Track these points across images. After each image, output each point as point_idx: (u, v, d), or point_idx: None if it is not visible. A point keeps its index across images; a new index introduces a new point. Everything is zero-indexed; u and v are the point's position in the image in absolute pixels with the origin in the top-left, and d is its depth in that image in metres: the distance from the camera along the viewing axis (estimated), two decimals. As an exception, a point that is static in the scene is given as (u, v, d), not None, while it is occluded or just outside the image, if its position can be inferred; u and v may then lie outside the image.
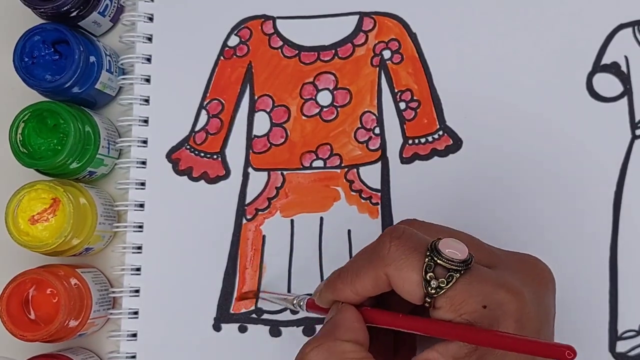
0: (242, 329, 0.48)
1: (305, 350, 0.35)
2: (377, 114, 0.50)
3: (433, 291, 0.33)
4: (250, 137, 0.50)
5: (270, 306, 0.48)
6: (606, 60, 0.49)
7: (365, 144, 0.50)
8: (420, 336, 0.38)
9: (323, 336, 0.35)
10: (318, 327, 0.48)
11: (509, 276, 0.34)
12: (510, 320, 0.32)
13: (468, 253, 0.33)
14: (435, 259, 0.33)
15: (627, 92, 0.49)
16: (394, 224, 0.40)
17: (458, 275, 0.32)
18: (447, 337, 0.32)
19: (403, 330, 0.35)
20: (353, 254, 0.48)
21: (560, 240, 0.47)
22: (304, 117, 0.50)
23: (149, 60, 0.51)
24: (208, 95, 0.51)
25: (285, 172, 0.50)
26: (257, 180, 0.50)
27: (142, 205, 0.50)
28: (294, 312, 0.48)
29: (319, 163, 0.50)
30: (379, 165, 0.49)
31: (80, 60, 0.46)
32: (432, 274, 0.33)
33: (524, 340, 0.31)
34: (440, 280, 0.32)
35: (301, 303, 0.41)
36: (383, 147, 0.49)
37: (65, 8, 0.47)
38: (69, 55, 0.46)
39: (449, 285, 0.32)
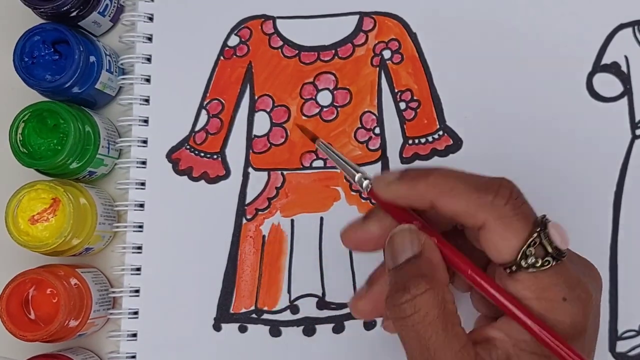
0: (242, 329, 0.48)
1: (414, 292, 0.32)
2: (377, 114, 0.50)
3: (525, 265, 0.32)
4: (250, 137, 0.50)
5: (271, 305, 0.48)
6: (606, 60, 0.49)
7: (365, 144, 0.50)
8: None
9: (427, 278, 0.32)
10: (318, 328, 0.48)
11: (583, 275, 0.34)
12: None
13: (568, 245, 0.33)
14: (542, 237, 0.32)
15: (627, 92, 0.49)
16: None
17: (554, 263, 0.32)
18: (523, 326, 0.32)
19: (462, 276, 0.33)
20: (353, 254, 0.48)
21: (560, 240, 0.47)
22: (304, 117, 0.50)
23: (149, 60, 0.51)
24: (208, 95, 0.51)
25: (285, 172, 0.50)
26: (257, 180, 0.50)
27: (142, 205, 0.50)
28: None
29: (319, 163, 0.50)
30: (379, 165, 0.49)
31: (80, 60, 0.46)
32: (532, 249, 0.32)
33: None
34: (536, 259, 0.32)
35: (364, 184, 0.36)
36: (383, 147, 0.49)
37: (65, 8, 0.47)
38: (69, 55, 0.46)
39: (542, 268, 0.32)
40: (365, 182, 0.36)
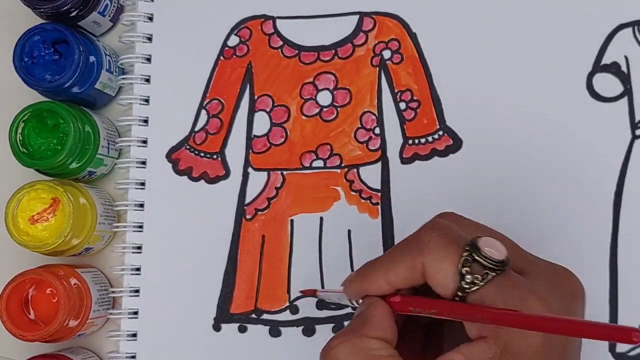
0: (242, 329, 0.48)
1: (332, 344, 0.35)
2: (377, 114, 0.50)
3: (467, 286, 0.32)
4: (250, 137, 0.50)
5: (270, 305, 0.48)
6: (606, 60, 0.49)
7: (365, 144, 0.50)
8: (447, 338, 0.38)
9: (351, 331, 0.35)
10: (318, 328, 0.48)
11: (541, 285, 0.33)
12: None
13: (506, 255, 0.33)
14: (474, 254, 0.33)
15: (627, 92, 0.49)
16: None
17: (494, 274, 0.32)
18: (492, 323, 0.32)
19: (438, 318, 0.34)
20: (353, 254, 0.48)
21: (560, 240, 0.47)
22: (303, 117, 0.50)
23: (149, 60, 0.51)
24: (208, 95, 0.51)
25: (285, 172, 0.50)
26: (257, 180, 0.50)
27: (142, 205, 0.50)
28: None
29: (319, 163, 0.50)
30: (379, 165, 0.49)
31: (80, 60, 0.46)
32: (468, 268, 0.32)
33: (581, 323, 0.29)
34: (475, 276, 0.32)
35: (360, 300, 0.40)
36: (383, 147, 0.49)
37: (65, 8, 0.47)
38: (69, 55, 0.46)
39: (483, 283, 0.32)
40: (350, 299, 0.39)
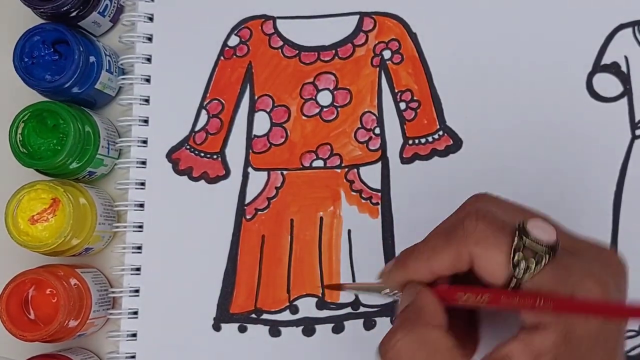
0: (242, 329, 0.48)
1: (392, 341, 0.32)
2: (377, 114, 0.50)
3: (520, 275, 0.31)
4: (250, 137, 0.50)
5: (270, 305, 0.48)
6: (606, 60, 0.49)
7: (365, 144, 0.50)
8: (484, 328, 0.37)
9: (408, 324, 0.33)
10: (318, 328, 0.48)
11: (594, 266, 0.32)
12: None
13: (556, 236, 0.32)
14: (525, 239, 0.31)
15: (627, 92, 0.49)
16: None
17: (547, 258, 0.31)
18: (554, 310, 0.31)
19: (486, 307, 0.33)
20: (353, 254, 0.48)
21: (560, 241, 0.47)
22: (304, 117, 0.50)
23: (149, 60, 0.51)
24: (208, 95, 0.51)
25: (285, 172, 0.50)
26: (257, 180, 0.50)
27: (142, 205, 0.50)
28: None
29: (319, 163, 0.50)
30: (379, 165, 0.49)
31: (80, 60, 0.46)
32: (520, 254, 0.31)
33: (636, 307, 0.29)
34: (528, 263, 0.31)
35: (387, 292, 0.38)
36: (383, 147, 0.49)
37: (65, 8, 0.47)
38: (69, 56, 0.46)
39: (536, 271, 0.31)
40: (386, 291, 0.37)
